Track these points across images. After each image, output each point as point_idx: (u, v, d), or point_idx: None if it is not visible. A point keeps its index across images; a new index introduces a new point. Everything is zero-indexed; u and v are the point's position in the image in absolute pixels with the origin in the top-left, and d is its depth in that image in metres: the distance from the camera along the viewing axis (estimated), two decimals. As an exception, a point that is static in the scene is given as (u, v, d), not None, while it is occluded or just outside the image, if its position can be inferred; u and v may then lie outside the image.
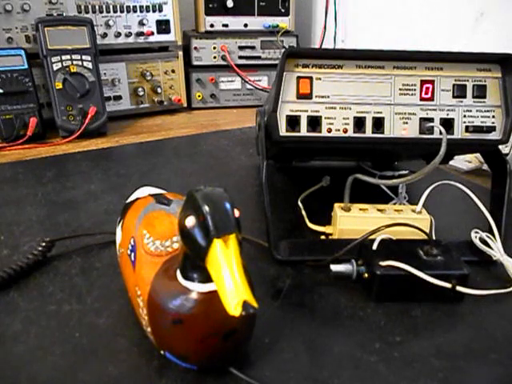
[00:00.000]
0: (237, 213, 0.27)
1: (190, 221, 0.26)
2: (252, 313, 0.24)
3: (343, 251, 0.41)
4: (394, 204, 0.53)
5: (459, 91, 0.45)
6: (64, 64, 0.79)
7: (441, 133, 0.43)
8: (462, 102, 0.45)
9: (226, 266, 0.25)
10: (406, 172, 0.64)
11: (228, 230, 0.26)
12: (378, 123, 0.45)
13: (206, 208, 0.26)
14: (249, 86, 1.05)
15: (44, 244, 0.44)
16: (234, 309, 0.24)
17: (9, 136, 0.78)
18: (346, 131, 0.45)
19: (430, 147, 0.45)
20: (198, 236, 0.26)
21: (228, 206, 0.26)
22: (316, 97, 0.44)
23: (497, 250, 0.43)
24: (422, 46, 0.44)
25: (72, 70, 0.80)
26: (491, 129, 0.45)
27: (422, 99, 0.45)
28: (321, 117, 0.44)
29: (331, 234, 0.49)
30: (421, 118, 0.45)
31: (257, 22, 1.04)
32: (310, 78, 0.44)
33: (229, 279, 0.24)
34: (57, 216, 0.54)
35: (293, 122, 0.44)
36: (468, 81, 0.45)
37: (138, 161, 0.72)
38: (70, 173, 0.67)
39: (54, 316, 0.37)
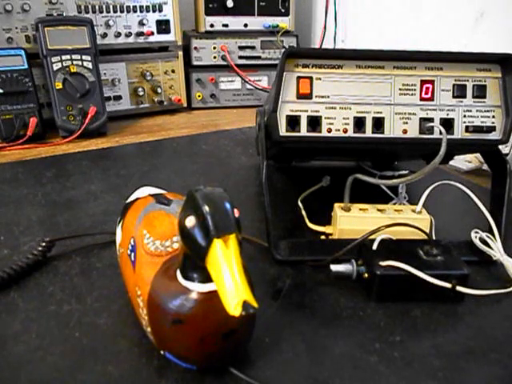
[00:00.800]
0: (237, 213, 0.27)
1: (190, 221, 0.26)
2: (252, 313, 0.24)
3: (343, 251, 0.41)
4: (394, 204, 0.53)
5: (459, 91, 0.45)
6: (64, 64, 0.79)
7: (441, 133, 0.43)
8: (462, 102, 0.45)
9: (225, 266, 0.25)
10: (406, 172, 0.64)
11: (228, 230, 0.26)
12: (378, 123, 0.45)
13: (206, 208, 0.26)
14: (249, 86, 1.05)
15: (44, 244, 0.44)
16: (233, 309, 0.24)
17: (9, 136, 0.78)
18: (345, 131, 0.45)
19: (430, 147, 0.45)
20: (198, 236, 0.26)
21: (228, 206, 0.26)
22: (316, 97, 0.44)
23: (497, 250, 0.43)
24: (422, 46, 0.44)
25: (72, 70, 0.80)
26: (491, 129, 0.45)
27: (421, 99, 0.45)
28: (321, 117, 0.44)
29: (331, 234, 0.49)
30: (421, 118, 0.45)
31: (257, 22, 1.04)
32: (310, 78, 0.44)
33: (229, 279, 0.24)
34: (57, 216, 0.54)
35: (293, 121, 0.44)
36: (468, 81, 0.45)
37: (138, 161, 0.72)
38: (70, 173, 0.67)
39: (54, 316, 0.37)
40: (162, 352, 0.31)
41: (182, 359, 0.30)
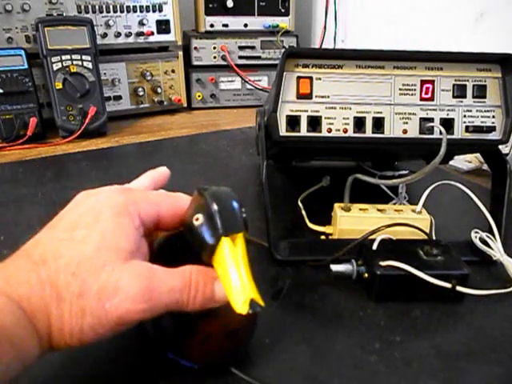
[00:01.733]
0: (244, 212, 0.27)
1: (198, 219, 0.26)
2: (259, 311, 0.24)
3: (343, 251, 0.41)
4: (394, 204, 0.53)
5: (459, 91, 0.45)
6: (64, 64, 0.79)
7: (441, 133, 0.43)
8: (462, 102, 0.45)
9: (233, 264, 0.25)
10: (406, 172, 0.64)
11: (236, 228, 0.26)
12: (378, 123, 0.45)
13: (215, 206, 0.26)
14: (249, 86, 1.05)
15: (44, 244, 0.44)
16: (241, 307, 0.24)
17: (9, 136, 0.78)
18: (345, 131, 0.45)
19: (430, 147, 0.45)
20: (206, 234, 0.26)
21: (236, 204, 0.27)
22: (316, 97, 0.44)
23: (497, 250, 0.43)
24: (422, 46, 0.44)
25: (72, 70, 0.80)
26: (491, 129, 0.45)
27: (422, 99, 0.45)
28: (321, 117, 0.44)
29: (331, 234, 0.49)
30: (421, 118, 0.45)
31: (257, 22, 1.04)
32: (310, 78, 0.44)
33: (236, 278, 0.24)
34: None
35: (293, 121, 0.44)
36: (468, 81, 0.45)
37: (138, 161, 0.72)
38: (70, 173, 0.67)
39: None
40: (163, 351, 0.31)
41: (184, 358, 0.30)
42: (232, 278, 0.25)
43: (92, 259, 0.26)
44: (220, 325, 0.28)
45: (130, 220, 0.27)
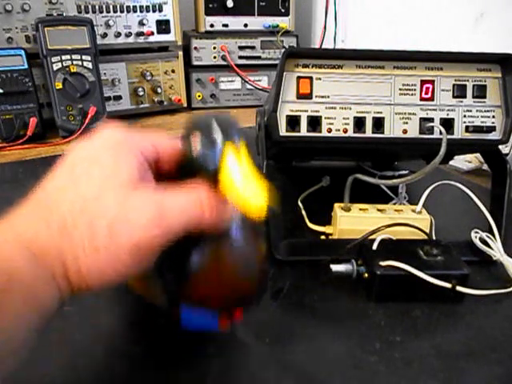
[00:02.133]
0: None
1: (197, 139, 0.26)
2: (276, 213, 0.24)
3: (343, 251, 0.41)
4: (394, 204, 0.53)
5: (459, 91, 0.45)
6: (64, 64, 0.79)
7: (441, 133, 0.43)
8: (462, 102, 0.45)
9: (241, 169, 0.25)
10: (406, 172, 0.64)
11: (236, 136, 0.26)
12: (378, 123, 0.45)
13: (212, 120, 0.26)
14: (249, 86, 1.05)
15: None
16: (260, 206, 0.24)
17: (9, 136, 0.78)
18: (345, 131, 0.45)
19: (430, 147, 0.45)
20: (207, 150, 0.26)
21: (231, 118, 0.27)
22: (316, 97, 0.44)
23: (497, 250, 0.43)
24: (422, 46, 0.44)
25: (72, 70, 0.80)
26: (491, 129, 0.45)
27: (422, 99, 0.45)
28: (321, 117, 0.44)
29: (331, 234, 0.49)
30: (421, 118, 0.45)
31: (257, 22, 1.04)
32: (310, 78, 0.44)
33: (248, 181, 0.25)
34: (57, 216, 0.53)
35: (293, 121, 0.44)
36: (468, 81, 0.45)
37: (138, 161, 0.72)
38: (70, 173, 0.67)
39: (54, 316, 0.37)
40: (176, 306, 0.29)
41: (197, 305, 0.29)
42: (245, 181, 0.24)
43: (96, 198, 0.25)
44: (230, 264, 0.27)
45: (134, 156, 0.27)
